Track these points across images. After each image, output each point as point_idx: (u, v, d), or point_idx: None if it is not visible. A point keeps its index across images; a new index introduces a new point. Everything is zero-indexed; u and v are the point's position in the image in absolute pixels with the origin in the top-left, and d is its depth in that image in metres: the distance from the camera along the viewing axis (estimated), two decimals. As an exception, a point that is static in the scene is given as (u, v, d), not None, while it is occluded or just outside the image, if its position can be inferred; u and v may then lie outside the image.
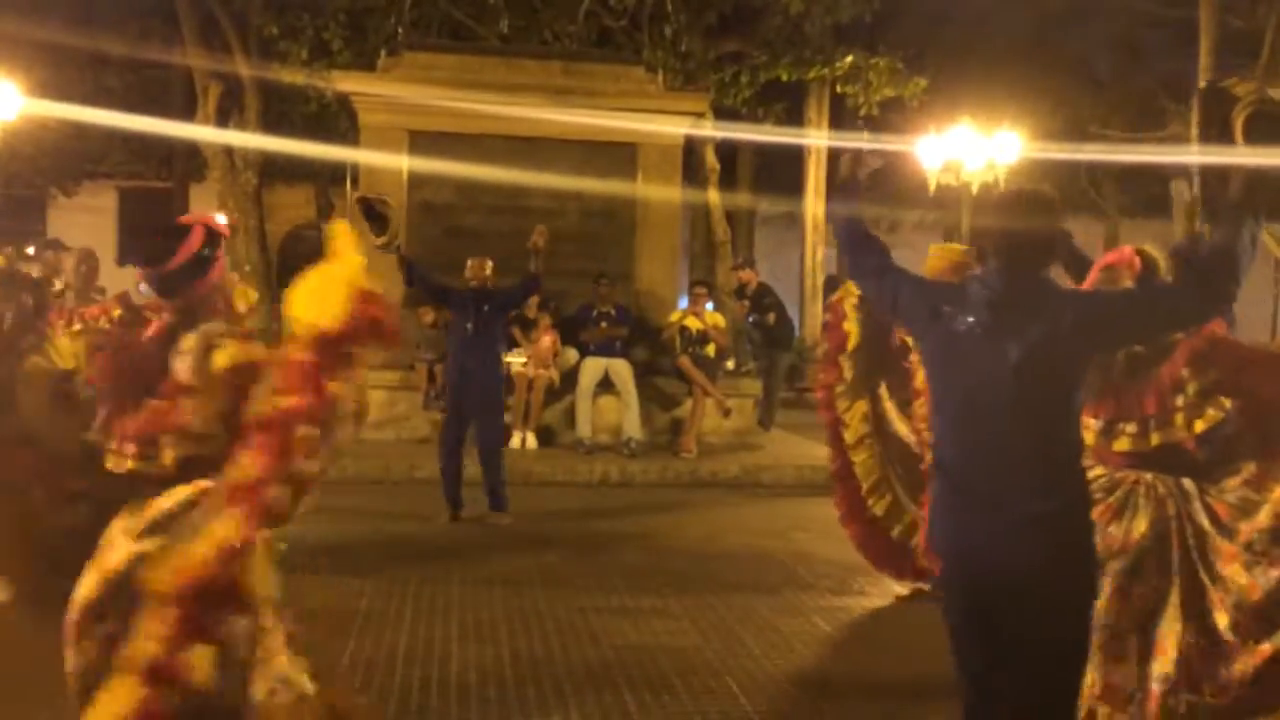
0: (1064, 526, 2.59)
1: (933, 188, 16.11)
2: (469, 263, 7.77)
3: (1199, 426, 3.24)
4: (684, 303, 11.26)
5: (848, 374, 5.75)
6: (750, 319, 12.18)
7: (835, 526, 7.39)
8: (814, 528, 7.25)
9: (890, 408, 5.74)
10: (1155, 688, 3.18)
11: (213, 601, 2.43)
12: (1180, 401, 3.25)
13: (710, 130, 15.76)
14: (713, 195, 18.74)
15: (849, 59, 16.77)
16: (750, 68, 18.06)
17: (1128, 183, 25.61)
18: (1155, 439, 3.27)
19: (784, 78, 17.76)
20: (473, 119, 10.68)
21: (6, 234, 21.52)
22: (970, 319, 2.65)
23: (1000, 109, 16.11)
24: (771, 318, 11.75)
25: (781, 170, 24.09)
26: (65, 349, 4.95)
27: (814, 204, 20.40)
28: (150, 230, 2.83)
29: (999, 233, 2.67)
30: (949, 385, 2.73)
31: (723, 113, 17.29)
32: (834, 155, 21.07)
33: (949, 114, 15.78)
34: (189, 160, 24.96)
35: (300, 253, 28.56)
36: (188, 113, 21.47)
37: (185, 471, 2.60)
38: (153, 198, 26.84)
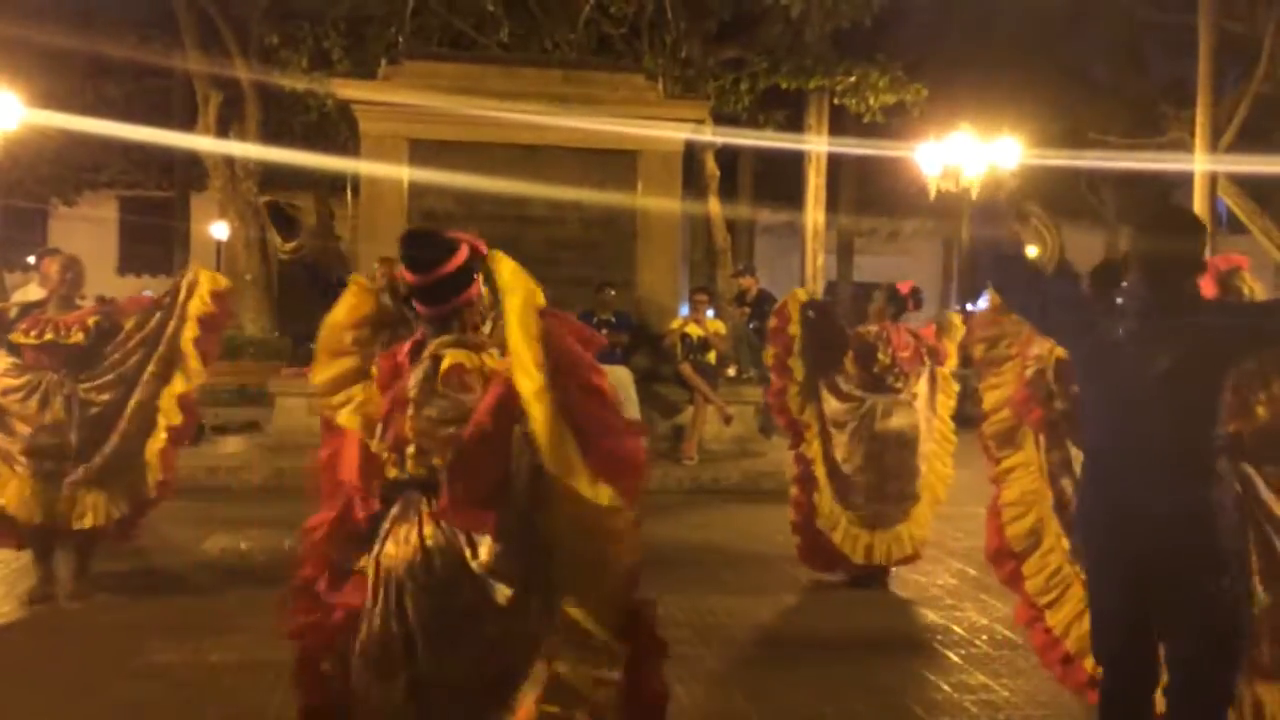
0: (1208, 516, 2.80)
1: (933, 194, 16.12)
2: (377, 264, 7.34)
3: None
4: (685, 310, 11.26)
5: (799, 375, 6.08)
6: (751, 325, 12.19)
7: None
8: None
9: (833, 406, 6.12)
10: None
11: None
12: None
13: (710, 137, 15.77)
14: (713, 202, 18.76)
15: (851, 78, 16.77)
16: (750, 74, 18.08)
17: (1127, 189, 25.63)
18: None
19: (784, 86, 17.78)
20: (473, 127, 10.70)
21: (8, 244, 21.58)
22: (1123, 328, 2.90)
23: (1000, 115, 16.13)
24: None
25: (782, 177, 24.10)
26: None
27: (814, 211, 20.41)
28: (423, 238, 2.84)
29: (1145, 247, 2.93)
30: (1103, 388, 2.97)
31: (723, 120, 17.32)
32: (834, 162, 21.19)
33: (949, 120, 15.80)
34: (190, 169, 25.00)
35: (301, 262, 28.61)
36: (188, 122, 21.51)
37: (434, 479, 2.66)
38: (154, 207, 26.89)
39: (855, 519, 6.07)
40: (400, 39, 15.59)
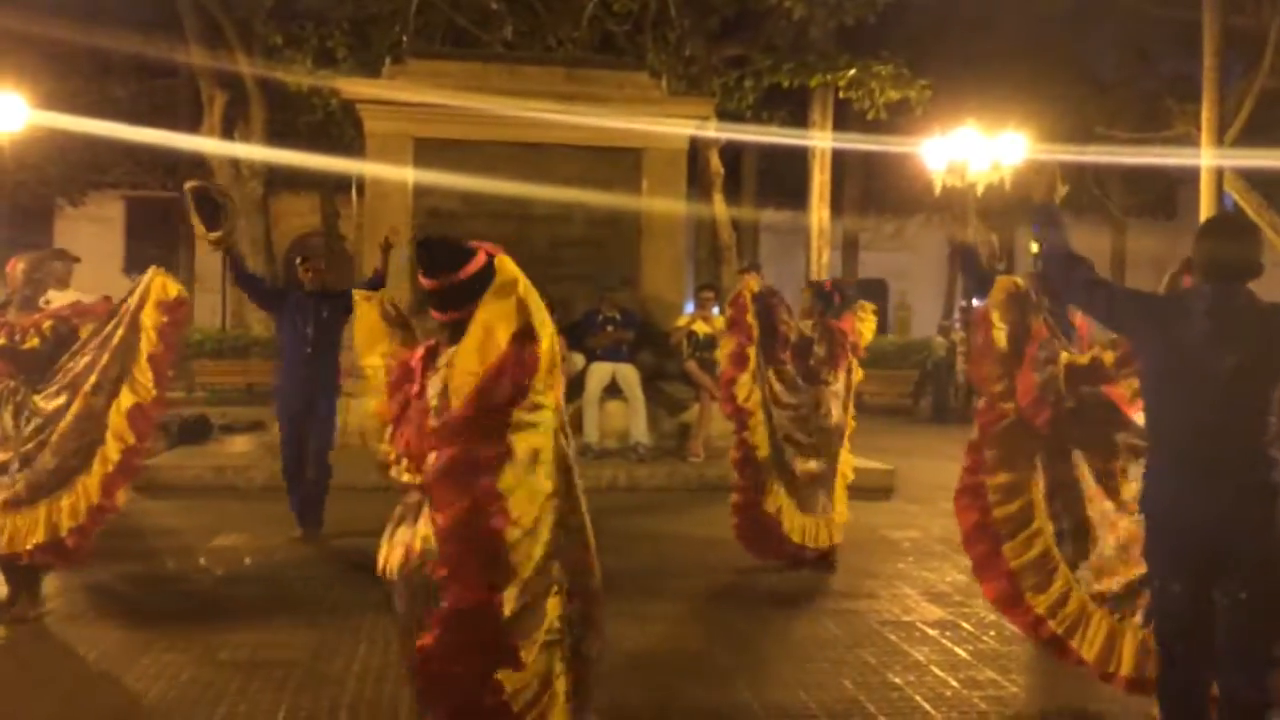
0: (1270, 496, 3.14)
1: (938, 189, 16.09)
2: (299, 262, 7.21)
3: None
4: (690, 307, 11.26)
5: (753, 364, 6.32)
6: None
7: (844, 530, 7.38)
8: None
9: (779, 391, 6.38)
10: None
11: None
12: None
13: (714, 133, 15.76)
14: (717, 200, 18.74)
15: (852, 71, 16.74)
16: (754, 72, 18.06)
17: (1134, 184, 25.57)
18: None
19: (786, 84, 17.75)
20: (477, 125, 10.70)
21: (15, 244, 21.63)
22: (1191, 328, 3.21)
23: (1005, 110, 16.09)
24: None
25: (786, 174, 24.08)
26: None
27: (819, 207, 20.38)
28: (439, 244, 2.86)
29: (1208, 253, 3.27)
30: (1174, 383, 3.27)
31: (727, 117, 17.30)
32: (839, 158, 21.17)
33: (954, 115, 15.77)
34: (195, 169, 25.03)
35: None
36: (193, 122, 21.53)
37: None
38: (159, 207, 26.92)
39: (797, 504, 6.32)
40: (404, 38, 15.59)
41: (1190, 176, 18.65)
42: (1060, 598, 4.18)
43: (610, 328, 10.17)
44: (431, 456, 2.66)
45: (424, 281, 2.82)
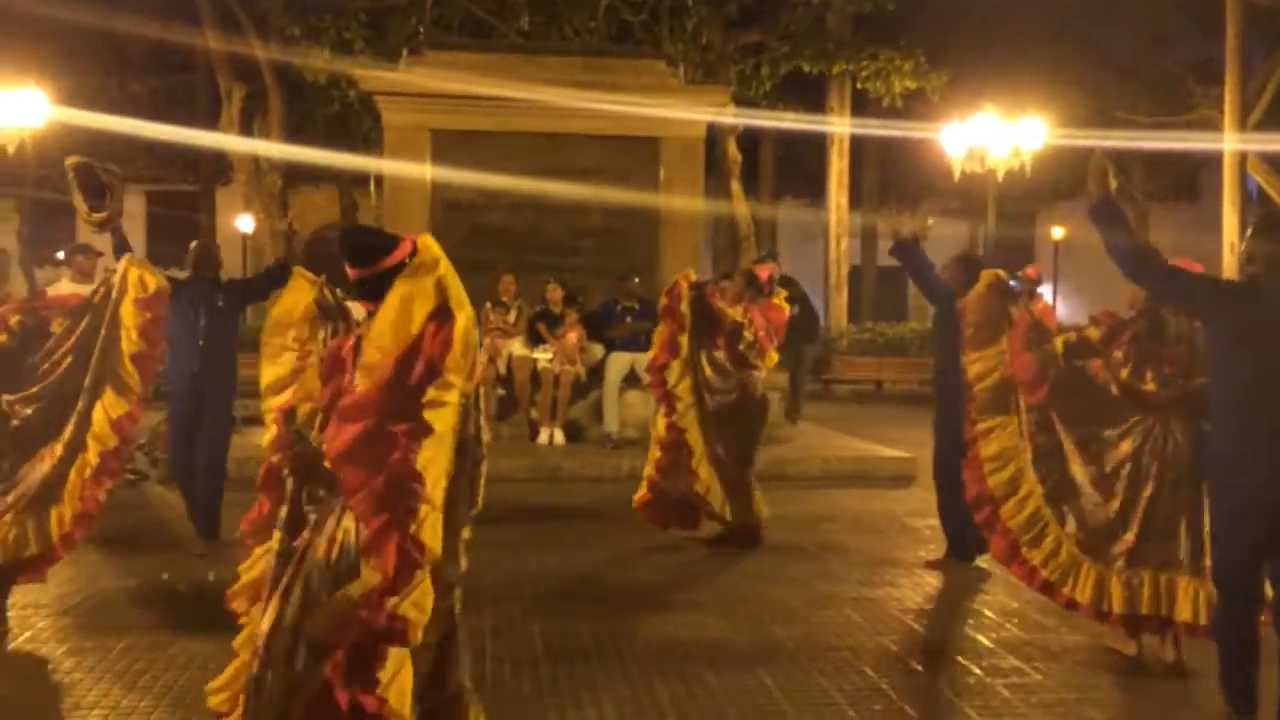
0: None
1: (957, 175, 15.99)
2: (194, 247, 6.86)
3: None
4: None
5: (684, 352, 6.57)
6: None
7: (864, 518, 7.44)
8: (843, 519, 7.23)
9: (710, 377, 6.66)
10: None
11: None
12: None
13: (732, 119, 15.71)
14: (735, 188, 18.70)
15: (874, 62, 16.66)
16: (771, 59, 17.98)
17: (1155, 169, 25.35)
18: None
19: (806, 69, 17.68)
20: (495, 116, 10.71)
21: (38, 240, 21.81)
22: (1262, 309, 3.72)
23: (1025, 95, 15.97)
24: (795, 309, 11.71)
25: (804, 163, 23.99)
26: None
27: (837, 195, 20.30)
28: (362, 232, 2.99)
29: (1265, 248, 3.79)
30: (1246, 360, 3.74)
31: (744, 105, 17.25)
32: (857, 146, 21.07)
33: (973, 101, 15.66)
34: (215, 163, 25.14)
35: (326, 254, 28.77)
36: (213, 116, 21.61)
37: None
38: (180, 201, 27.08)
39: (725, 484, 6.60)
40: (421, 29, 15.62)
41: (1213, 160, 18.49)
42: (1052, 550, 4.67)
43: (629, 318, 10.17)
44: (333, 432, 2.62)
45: (349, 271, 2.84)
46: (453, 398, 2.64)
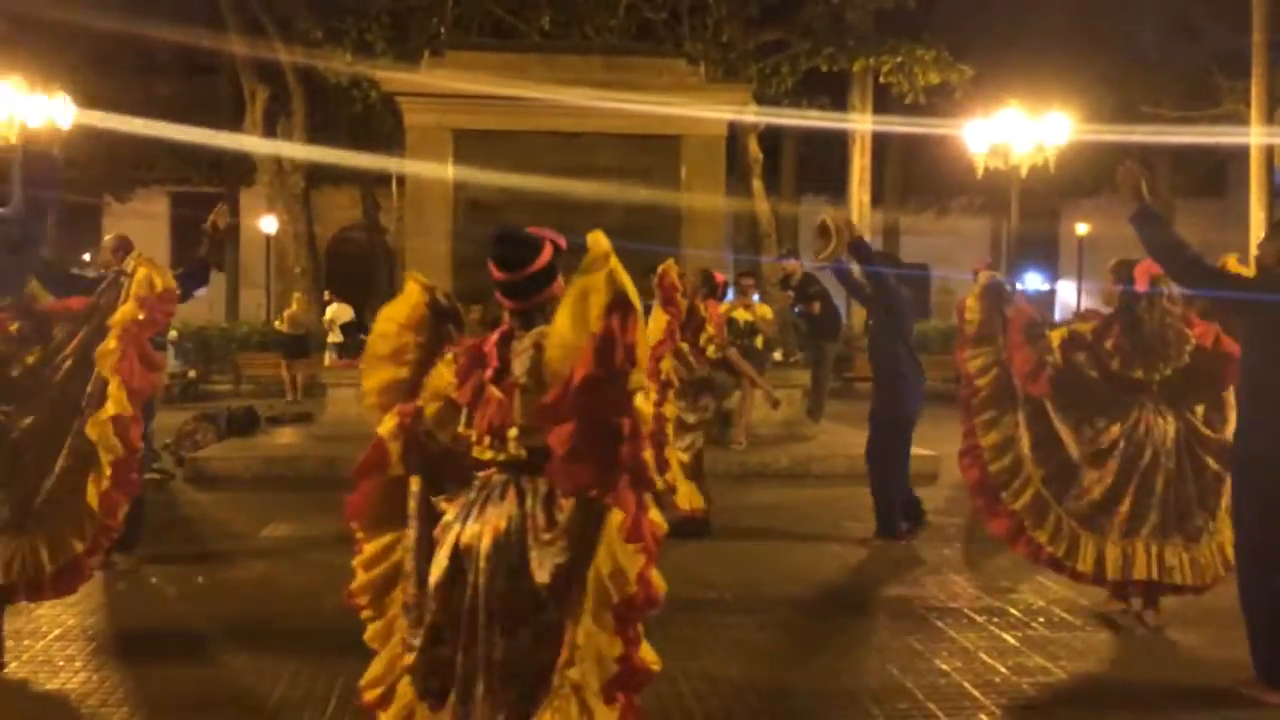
0: None
1: (980, 172, 15.90)
2: (105, 243, 6.37)
3: None
4: (731, 294, 11.22)
5: (675, 341, 6.77)
6: (796, 309, 12.11)
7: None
8: (866, 518, 7.21)
9: (677, 366, 6.84)
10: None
11: None
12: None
13: (753, 118, 15.69)
14: (756, 186, 18.67)
15: (897, 58, 16.57)
16: (792, 57, 17.93)
17: (1181, 163, 25.14)
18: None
19: (825, 68, 17.62)
20: (516, 116, 10.74)
21: (65, 241, 22.02)
22: None
23: (1048, 90, 15.85)
24: (816, 307, 11.70)
25: (826, 160, 23.94)
26: None
27: (859, 193, 20.23)
28: (513, 237, 2.97)
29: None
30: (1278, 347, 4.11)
31: (765, 103, 17.23)
32: (879, 143, 20.99)
33: (996, 97, 15.56)
34: (238, 165, 25.34)
35: (348, 254, 28.98)
36: (236, 118, 21.78)
37: (534, 459, 2.80)
38: (204, 202, 27.25)
39: (686, 472, 6.87)
40: (442, 29, 15.68)
41: (1239, 155, 18.30)
42: (1055, 528, 5.07)
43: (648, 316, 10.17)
44: (552, 434, 2.68)
45: (497, 273, 2.91)
46: (645, 383, 2.72)
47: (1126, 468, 4.97)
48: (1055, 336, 5.13)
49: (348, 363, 11.75)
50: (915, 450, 9.72)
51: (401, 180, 13.76)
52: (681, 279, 6.89)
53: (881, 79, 17.63)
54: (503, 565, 2.79)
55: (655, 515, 2.80)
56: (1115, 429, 5.00)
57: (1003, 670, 4.54)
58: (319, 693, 4.13)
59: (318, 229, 24.54)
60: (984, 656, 4.71)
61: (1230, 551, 4.71)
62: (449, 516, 2.93)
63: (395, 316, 3.14)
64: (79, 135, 15.29)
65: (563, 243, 2.98)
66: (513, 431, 2.81)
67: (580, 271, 2.71)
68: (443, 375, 2.97)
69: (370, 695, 3.09)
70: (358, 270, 25.68)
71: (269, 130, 21.12)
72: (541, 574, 2.76)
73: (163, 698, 4.12)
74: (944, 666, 4.58)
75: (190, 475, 9.09)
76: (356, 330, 17.22)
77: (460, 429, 2.90)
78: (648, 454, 2.73)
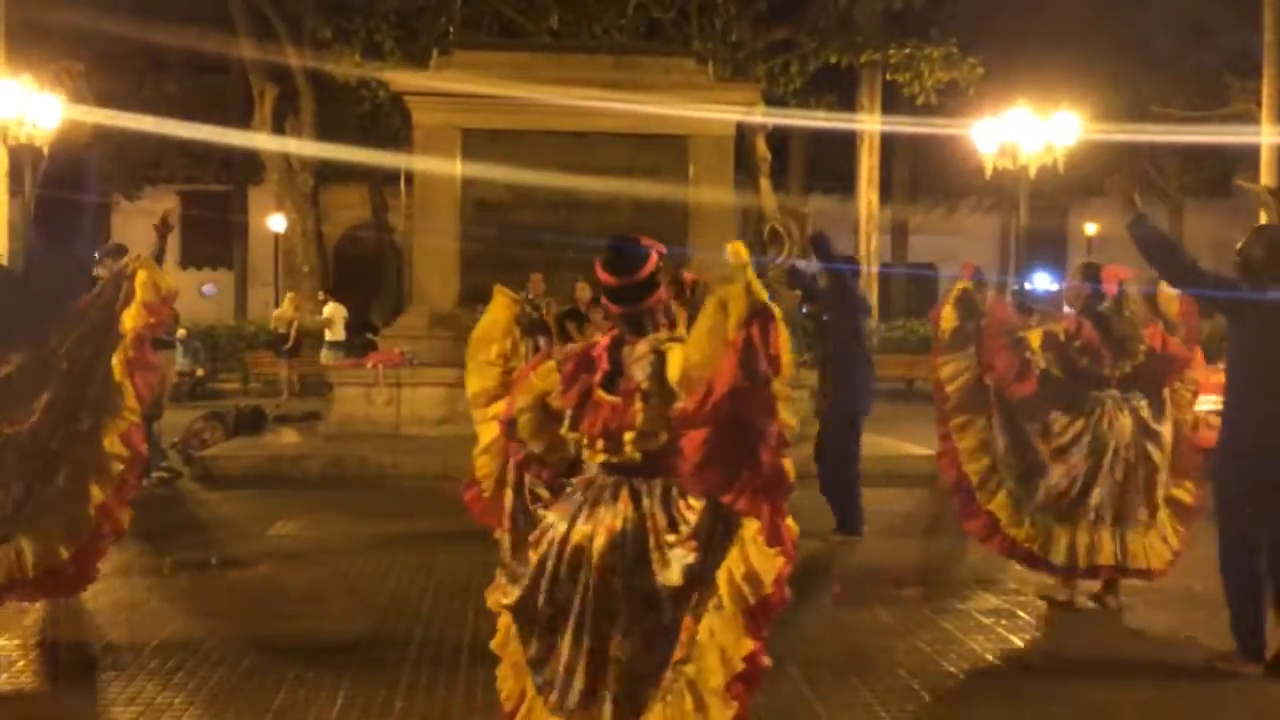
0: None
1: (989, 172, 15.86)
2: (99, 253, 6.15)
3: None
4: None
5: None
6: (803, 309, 12.08)
7: (896, 518, 7.38)
8: (876, 521, 7.19)
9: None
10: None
11: None
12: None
13: (761, 117, 15.66)
14: (765, 186, 18.65)
15: (906, 50, 16.53)
16: (800, 55, 17.91)
17: (1190, 163, 25.05)
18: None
19: (834, 60, 17.58)
20: (525, 115, 10.74)
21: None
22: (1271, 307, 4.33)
23: (1057, 90, 15.80)
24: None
25: (834, 160, 23.90)
26: None
27: (867, 192, 20.20)
28: (625, 245, 3.08)
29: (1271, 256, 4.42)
30: (1271, 341, 4.34)
31: (774, 102, 17.21)
32: (887, 142, 20.95)
33: (1005, 96, 15.51)
34: (247, 163, 25.38)
35: (356, 253, 29.03)
36: (245, 116, 21.81)
37: (649, 462, 2.86)
38: (213, 201, 27.37)
39: None
40: (451, 29, 15.68)
41: (1249, 155, 18.22)
42: (1030, 525, 5.35)
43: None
44: (686, 442, 2.74)
45: (606, 278, 3.01)
46: (788, 392, 2.78)
47: (1093, 460, 5.24)
48: (1034, 337, 5.38)
49: (354, 362, 11.75)
50: (916, 450, 9.76)
51: (410, 179, 13.76)
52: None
53: (889, 75, 17.59)
54: (618, 565, 2.84)
55: (790, 520, 2.85)
56: (1080, 423, 5.28)
57: (976, 646, 4.59)
58: (325, 692, 4.13)
59: (326, 228, 24.58)
60: (991, 659, 4.69)
61: (1175, 541, 5.26)
62: (551, 518, 2.99)
63: (486, 334, 3.31)
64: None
65: (664, 251, 3.09)
66: (629, 435, 2.85)
67: (723, 279, 2.77)
68: (534, 386, 3.05)
69: (510, 704, 3.16)
70: (366, 269, 25.72)
71: (278, 129, 21.16)
72: (668, 574, 2.80)
73: (169, 696, 4.12)
74: (952, 669, 4.56)
75: (198, 474, 9.11)
76: (363, 329, 17.26)
77: (564, 432, 2.98)
78: (788, 462, 2.77)
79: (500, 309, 3.32)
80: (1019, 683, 4.42)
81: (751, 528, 2.75)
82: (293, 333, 16.83)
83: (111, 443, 4.39)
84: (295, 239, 22.41)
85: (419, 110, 11.15)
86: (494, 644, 3.21)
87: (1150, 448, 5.27)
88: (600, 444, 2.90)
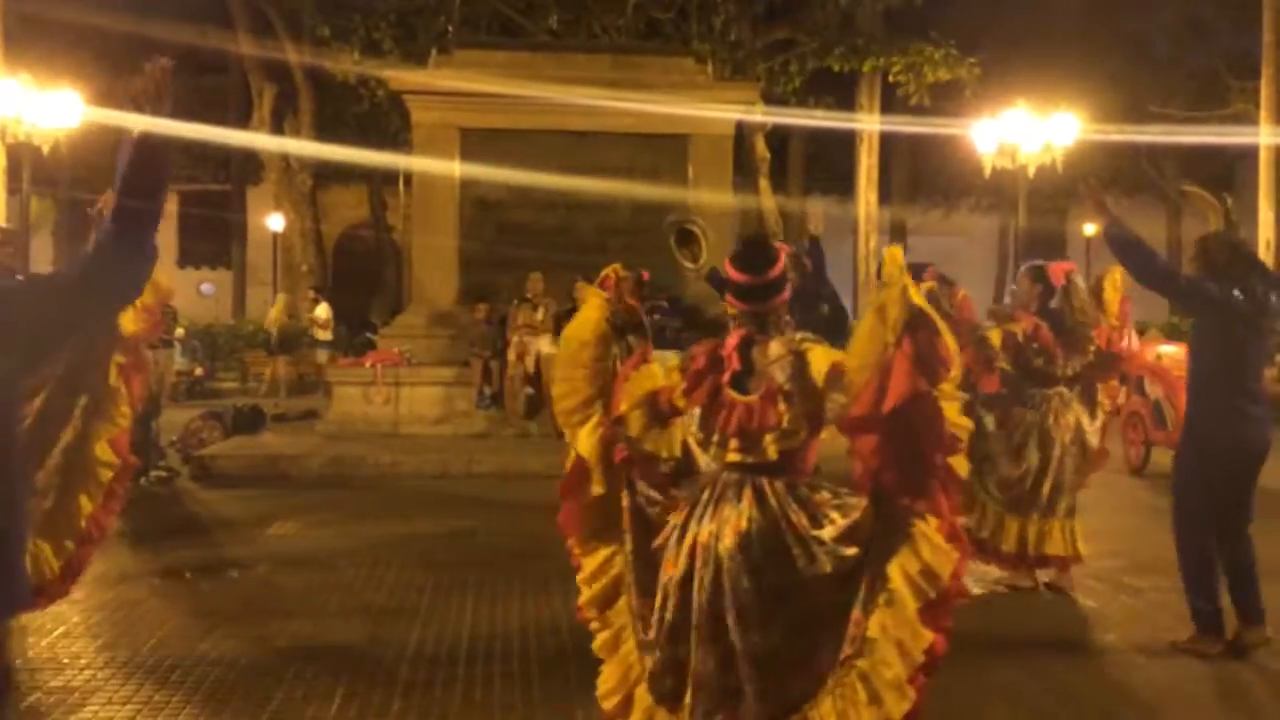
0: (1271, 411, 4.66)
1: (988, 171, 15.85)
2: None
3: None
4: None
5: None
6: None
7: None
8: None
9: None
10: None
11: None
12: None
13: (761, 117, 15.67)
14: (764, 185, 18.65)
15: (905, 57, 16.53)
16: (799, 56, 17.91)
17: (1189, 163, 25.05)
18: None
19: (836, 69, 17.59)
20: (524, 114, 10.73)
21: (74, 240, 22.07)
22: (1241, 304, 4.54)
23: (1056, 90, 15.80)
24: (824, 307, 11.66)
25: (833, 159, 23.90)
26: None
27: (866, 192, 20.20)
28: (758, 244, 3.16)
29: (1230, 255, 4.71)
30: (1235, 339, 4.58)
31: (773, 102, 17.20)
32: (886, 142, 20.94)
33: (1004, 96, 15.51)
34: (246, 163, 25.36)
35: (355, 252, 29.00)
36: (244, 115, 21.79)
37: (782, 461, 2.89)
38: (211, 200, 27.33)
39: None
40: (450, 28, 15.67)
41: (1248, 155, 18.23)
42: (980, 514, 5.54)
43: (657, 315, 10.14)
44: (860, 442, 2.78)
45: (738, 276, 3.05)
46: (958, 395, 2.82)
47: (1043, 454, 5.51)
48: (994, 336, 5.62)
49: (353, 361, 11.74)
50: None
51: (409, 179, 13.76)
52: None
53: (891, 78, 17.59)
54: (748, 562, 2.85)
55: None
56: (1030, 416, 5.55)
57: (1017, 674, 4.53)
58: (322, 691, 4.12)
59: (325, 227, 24.55)
60: (995, 657, 4.69)
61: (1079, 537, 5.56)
62: (676, 519, 3.01)
63: (579, 335, 3.32)
64: (87, 133, 15.31)
65: (792, 252, 3.19)
66: (771, 435, 2.88)
67: (881, 284, 2.82)
68: (641, 385, 3.09)
69: (610, 704, 3.17)
70: (364, 268, 25.70)
71: (276, 128, 21.15)
72: (816, 566, 2.81)
73: (166, 695, 4.11)
74: (955, 669, 4.55)
75: (196, 473, 9.10)
76: (362, 329, 17.25)
77: (690, 432, 3.01)
78: (959, 461, 2.80)
79: (593, 309, 3.34)
80: (988, 662, 4.41)
81: (928, 525, 2.78)
82: (275, 333, 17.09)
83: (102, 449, 4.28)
84: (294, 238, 22.39)
85: (418, 109, 11.14)
86: (596, 645, 3.23)
87: (1085, 442, 5.59)
88: (734, 443, 2.94)
